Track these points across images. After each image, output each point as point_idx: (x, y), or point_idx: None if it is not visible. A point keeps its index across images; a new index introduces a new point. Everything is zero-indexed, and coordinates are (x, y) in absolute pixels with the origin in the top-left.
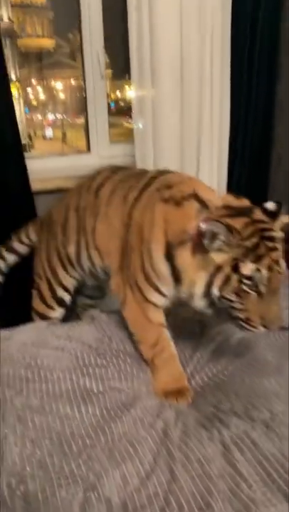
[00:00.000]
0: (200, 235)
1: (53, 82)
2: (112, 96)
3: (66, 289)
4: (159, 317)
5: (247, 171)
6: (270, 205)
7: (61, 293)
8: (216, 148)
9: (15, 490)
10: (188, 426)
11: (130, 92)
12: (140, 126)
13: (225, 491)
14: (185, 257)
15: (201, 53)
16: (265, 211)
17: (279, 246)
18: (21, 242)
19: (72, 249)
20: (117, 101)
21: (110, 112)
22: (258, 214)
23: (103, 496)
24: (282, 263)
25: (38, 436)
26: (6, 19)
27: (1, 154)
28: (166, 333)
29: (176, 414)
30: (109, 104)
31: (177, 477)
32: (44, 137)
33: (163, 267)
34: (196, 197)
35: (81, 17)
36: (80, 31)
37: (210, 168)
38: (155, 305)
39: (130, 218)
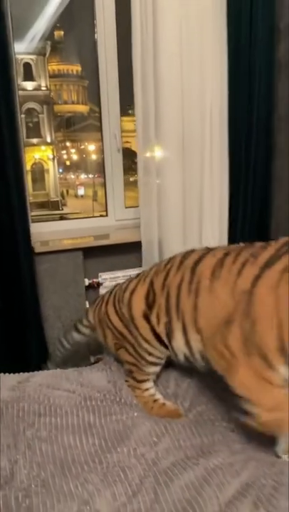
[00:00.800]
0: None
1: (86, 144)
2: None
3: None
4: (282, 381)
5: (247, 236)
6: None
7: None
8: (217, 211)
9: (21, 503)
10: (177, 456)
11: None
12: (145, 187)
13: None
14: None
15: (201, 123)
16: None
17: None
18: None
19: (162, 330)
20: None
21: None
22: None
23: (94, 509)
24: None
25: (44, 462)
26: (43, 88)
27: (7, 217)
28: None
29: (169, 446)
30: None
31: (160, 498)
32: (76, 195)
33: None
34: None
35: (100, 96)
36: (99, 107)
37: (212, 230)
38: (279, 373)
39: (252, 296)
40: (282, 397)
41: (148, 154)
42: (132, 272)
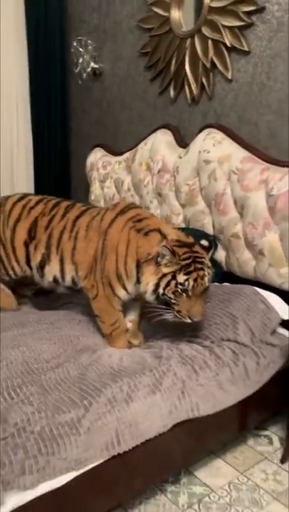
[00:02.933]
0: (157, 254)
1: None
2: None
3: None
4: (120, 306)
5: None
6: (204, 243)
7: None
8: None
9: None
10: None
11: None
12: None
13: None
14: (147, 269)
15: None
16: (202, 246)
17: (206, 268)
18: None
19: (36, 257)
20: None
21: None
22: (196, 248)
23: None
24: (207, 279)
25: None
26: None
27: None
28: (122, 316)
29: None
30: None
31: None
32: None
33: (134, 272)
34: (159, 231)
35: None
36: None
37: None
38: (119, 298)
39: (106, 235)
40: (119, 316)
41: None
42: None
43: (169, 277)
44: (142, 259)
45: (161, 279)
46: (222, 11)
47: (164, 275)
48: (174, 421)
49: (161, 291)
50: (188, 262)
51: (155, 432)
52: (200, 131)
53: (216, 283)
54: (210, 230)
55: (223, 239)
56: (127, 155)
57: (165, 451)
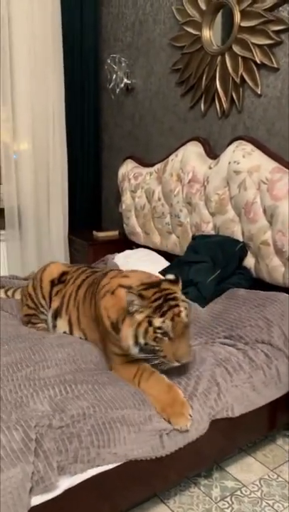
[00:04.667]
0: (127, 305)
1: None
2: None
3: None
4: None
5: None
6: (170, 277)
7: None
8: (60, 186)
9: None
10: None
11: None
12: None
13: None
14: (124, 324)
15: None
16: (170, 280)
17: (181, 303)
18: None
19: (54, 305)
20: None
21: None
22: (165, 284)
23: None
24: (184, 315)
25: None
26: None
27: None
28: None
29: None
30: None
31: None
32: None
33: (112, 334)
34: (121, 286)
35: None
36: None
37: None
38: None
39: (96, 305)
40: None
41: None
42: None
43: (145, 324)
44: (121, 318)
45: (137, 328)
46: (252, 30)
47: (140, 323)
48: (210, 420)
49: (142, 340)
50: (159, 302)
51: (196, 435)
52: (230, 143)
53: (247, 289)
54: (239, 238)
55: (253, 246)
56: (158, 166)
57: (199, 446)
